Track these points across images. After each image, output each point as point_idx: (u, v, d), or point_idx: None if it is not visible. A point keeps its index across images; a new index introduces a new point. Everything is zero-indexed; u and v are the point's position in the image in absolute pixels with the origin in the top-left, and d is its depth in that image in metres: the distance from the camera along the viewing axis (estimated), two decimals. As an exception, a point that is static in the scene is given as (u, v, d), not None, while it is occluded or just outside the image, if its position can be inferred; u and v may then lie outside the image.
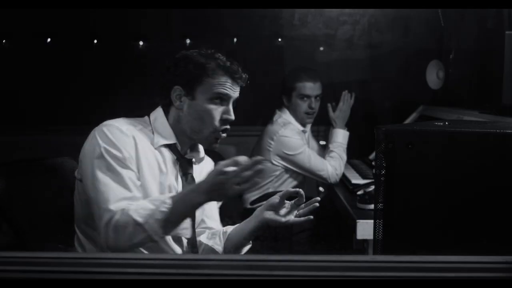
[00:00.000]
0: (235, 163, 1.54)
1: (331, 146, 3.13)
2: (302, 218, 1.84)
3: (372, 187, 2.56)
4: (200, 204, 1.65)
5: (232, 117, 1.80)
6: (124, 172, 1.66)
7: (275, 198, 1.81)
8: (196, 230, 1.89)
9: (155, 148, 1.77)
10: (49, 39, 3.94)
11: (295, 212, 1.85)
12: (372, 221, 1.41)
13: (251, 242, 1.93)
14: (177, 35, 3.95)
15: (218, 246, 1.87)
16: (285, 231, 2.96)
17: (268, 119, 3.19)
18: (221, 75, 1.78)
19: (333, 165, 3.03)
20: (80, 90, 3.78)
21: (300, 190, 1.84)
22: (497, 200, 1.37)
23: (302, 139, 3.09)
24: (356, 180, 2.94)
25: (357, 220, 2.28)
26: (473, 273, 0.95)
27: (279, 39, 4.00)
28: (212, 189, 1.57)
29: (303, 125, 3.16)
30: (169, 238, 1.79)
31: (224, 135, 1.81)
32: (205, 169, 1.87)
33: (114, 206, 1.61)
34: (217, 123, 1.78)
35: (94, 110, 2.99)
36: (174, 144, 1.81)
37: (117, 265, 0.96)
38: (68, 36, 3.88)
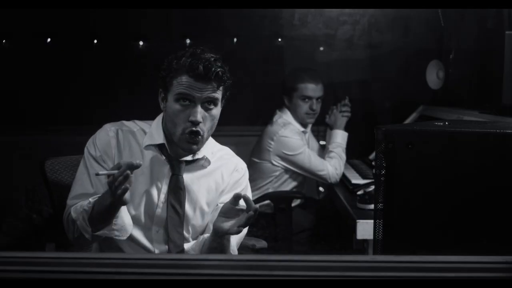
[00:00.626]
0: (118, 166, 1.55)
1: (330, 147, 3.14)
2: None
3: (372, 187, 2.56)
4: (108, 205, 1.61)
5: (195, 118, 1.70)
6: (91, 170, 1.75)
7: (226, 204, 1.68)
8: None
9: (144, 148, 1.79)
10: (49, 39, 3.94)
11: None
12: (372, 221, 1.41)
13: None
14: (177, 35, 3.95)
15: (193, 251, 1.82)
16: (285, 231, 2.96)
17: (268, 119, 3.19)
18: (183, 75, 1.72)
19: (333, 165, 3.04)
20: (80, 90, 3.78)
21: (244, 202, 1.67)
22: (497, 200, 1.37)
23: (302, 140, 3.09)
24: (356, 180, 2.94)
25: (357, 220, 2.28)
26: (473, 273, 0.95)
27: (279, 39, 4.00)
28: (110, 191, 1.57)
29: (304, 125, 3.17)
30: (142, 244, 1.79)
31: (196, 137, 1.73)
32: (220, 170, 1.86)
33: (71, 201, 1.75)
34: (183, 124, 1.72)
35: (94, 110, 3.00)
36: (162, 144, 1.79)
37: (117, 265, 0.96)
38: (68, 36, 3.88)
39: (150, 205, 1.79)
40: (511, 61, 2.42)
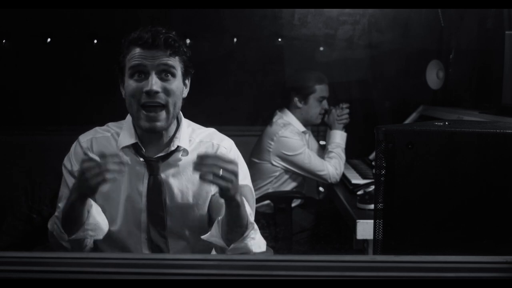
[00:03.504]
0: (90, 160, 1.52)
1: (329, 147, 3.15)
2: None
3: (372, 187, 2.56)
4: (74, 202, 1.57)
5: (149, 87, 1.62)
6: (71, 186, 1.67)
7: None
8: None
9: (121, 151, 1.73)
10: (49, 39, 3.94)
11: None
12: (372, 221, 1.41)
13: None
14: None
15: (214, 237, 1.66)
16: (285, 231, 2.96)
17: (268, 119, 3.19)
18: (132, 49, 1.67)
19: (333, 165, 3.04)
20: (80, 90, 3.78)
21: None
22: (497, 200, 1.37)
23: (302, 140, 3.10)
24: (356, 180, 2.94)
25: (357, 220, 2.28)
26: (473, 273, 0.95)
27: (279, 39, 4.00)
28: (78, 185, 1.54)
29: (306, 125, 3.18)
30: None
31: (156, 111, 1.64)
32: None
33: (51, 220, 1.69)
34: (140, 98, 1.64)
35: (94, 110, 2.99)
36: (135, 143, 1.73)
37: (117, 265, 0.96)
38: (68, 36, 3.88)
39: (134, 211, 1.75)
40: (511, 61, 2.42)
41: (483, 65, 3.02)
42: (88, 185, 1.50)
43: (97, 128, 1.82)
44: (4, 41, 3.99)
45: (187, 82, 1.76)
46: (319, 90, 3.14)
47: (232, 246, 1.63)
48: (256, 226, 1.70)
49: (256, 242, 1.68)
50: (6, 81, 3.67)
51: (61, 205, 1.68)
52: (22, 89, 3.78)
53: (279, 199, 3.04)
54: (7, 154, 3.52)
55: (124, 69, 1.70)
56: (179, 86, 1.69)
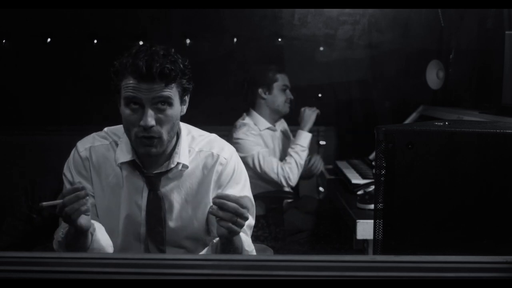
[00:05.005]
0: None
1: (289, 149, 3.11)
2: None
3: (372, 187, 2.56)
4: (73, 233, 1.54)
5: (145, 123, 1.57)
6: None
7: (209, 210, 1.56)
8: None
9: (119, 165, 1.71)
10: (49, 39, 3.94)
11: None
12: (372, 221, 1.41)
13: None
14: (177, 35, 3.95)
15: None
16: (277, 231, 2.96)
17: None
18: (126, 77, 1.59)
19: (288, 168, 3.01)
20: (80, 90, 3.78)
21: None
22: (497, 200, 1.37)
23: (256, 140, 3.08)
24: (356, 180, 2.94)
25: (357, 220, 2.28)
26: (473, 273, 0.95)
27: (279, 39, 4.00)
28: (63, 219, 1.52)
29: (276, 119, 3.18)
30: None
31: (151, 141, 1.61)
32: (200, 168, 1.73)
33: (56, 237, 1.68)
34: (136, 129, 1.61)
35: (94, 110, 3.00)
36: (133, 160, 1.70)
37: (117, 265, 0.96)
38: (68, 36, 3.88)
39: (134, 224, 1.73)
40: (511, 61, 2.41)
41: (483, 65, 3.02)
42: (68, 218, 1.49)
43: (94, 135, 1.78)
44: (4, 41, 3.99)
45: (186, 99, 1.71)
46: (281, 79, 3.16)
47: None
48: (249, 242, 1.72)
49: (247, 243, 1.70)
50: (6, 81, 3.67)
51: (63, 230, 1.63)
52: (22, 89, 3.78)
53: (270, 199, 3.04)
54: (7, 154, 3.52)
55: (119, 91, 1.64)
56: (176, 111, 1.65)
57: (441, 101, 3.38)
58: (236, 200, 1.48)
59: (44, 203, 1.50)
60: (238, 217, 1.48)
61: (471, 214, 1.37)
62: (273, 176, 3.01)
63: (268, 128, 3.16)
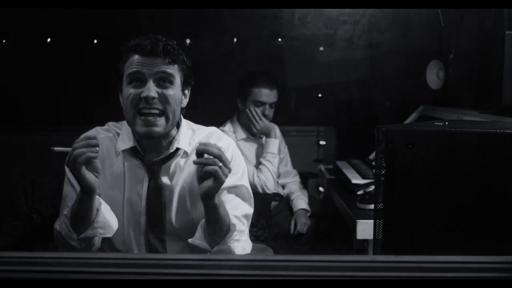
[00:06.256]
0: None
1: (261, 158, 3.06)
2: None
3: (372, 187, 2.56)
4: (81, 199, 1.57)
5: (147, 93, 1.61)
6: (72, 183, 1.71)
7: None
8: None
9: (120, 154, 1.74)
10: (49, 39, 3.94)
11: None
12: (372, 221, 1.41)
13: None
14: (177, 35, 3.95)
15: (198, 240, 1.67)
16: (266, 233, 2.95)
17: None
18: (130, 56, 1.67)
19: (263, 178, 2.97)
20: (80, 90, 3.78)
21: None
22: (497, 200, 1.37)
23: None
24: (356, 180, 2.93)
25: (357, 220, 2.27)
26: (473, 273, 0.95)
27: (279, 39, 4.00)
28: (68, 160, 1.53)
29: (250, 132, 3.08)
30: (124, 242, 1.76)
31: (153, 117, 1.64)
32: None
33: (59, 220, 1.69)
34: (137, 104, 1.64)
35: (95, 110, 2.99)
36: (134, 147, 1.73)
37: (117, 265, 0.96)
38: (68, 36, 3.88)
39: (134, 214, 1.75)
40: (511, 61, 2.41)
41: (483, 65, 3.02)
42: (75, 162, 1.50)
43: (98, 128, 1.81)
44: (4, 41, 3.99)
45: (187, 92, 1.75)
46: (254, 94, 3.02)
47: (215, 248, 1.64)
48: (242, 228, 1.71)
49: (241, 244, 1.69)
50: (6, 81, 3.67)
51: (69, 204, 1.67)
52: (22, 89, 3.78)
53: (258, 202, 3.03)
54: (7, 154, 3.52)
55: (122, 76, 1.70)
56: (178, 94, 1.68)
57: (441, 101, 3.38)
58: (219, 148, 1.53)
59: (56, 148, 1.52)
60: (221, 163, 1.51)
61: (471, 214, 1.37)
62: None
63: (243, 139, 3.10)
